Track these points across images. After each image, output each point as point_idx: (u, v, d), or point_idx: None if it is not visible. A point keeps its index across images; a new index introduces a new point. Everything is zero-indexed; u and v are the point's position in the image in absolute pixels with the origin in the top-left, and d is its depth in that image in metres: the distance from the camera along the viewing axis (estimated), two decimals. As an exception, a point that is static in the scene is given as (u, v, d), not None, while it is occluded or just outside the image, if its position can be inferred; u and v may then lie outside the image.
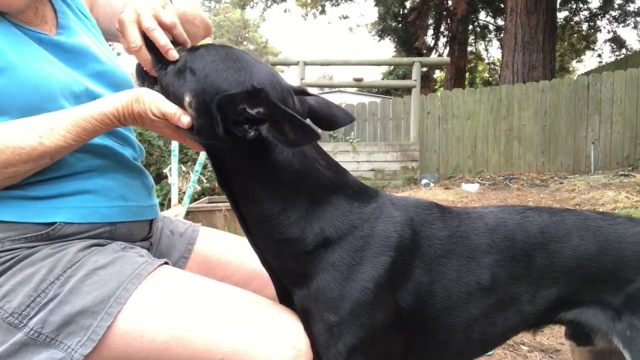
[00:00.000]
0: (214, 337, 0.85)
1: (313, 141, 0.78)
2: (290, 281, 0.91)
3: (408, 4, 16.71)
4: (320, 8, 16.42)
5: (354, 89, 15.12)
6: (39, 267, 0.88)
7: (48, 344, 0.83)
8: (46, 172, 0.92)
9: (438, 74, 20.55)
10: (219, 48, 0.89)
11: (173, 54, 0.89)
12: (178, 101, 0.85)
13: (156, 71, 0.91)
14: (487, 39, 18.75)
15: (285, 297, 0.96)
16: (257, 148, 0.84)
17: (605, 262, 0.96)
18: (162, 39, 0.89)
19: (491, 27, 17.87)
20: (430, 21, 16.94)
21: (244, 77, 0.82)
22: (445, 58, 12.38)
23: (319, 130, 0.81)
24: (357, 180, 0.97)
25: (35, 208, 0.92)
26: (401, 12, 16.76)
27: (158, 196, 5.43)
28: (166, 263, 1.01)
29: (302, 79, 8.29)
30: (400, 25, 16.79)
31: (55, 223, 0.93)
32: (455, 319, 0.93)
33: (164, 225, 1.30)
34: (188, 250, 1.26)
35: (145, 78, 0.94)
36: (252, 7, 17.07)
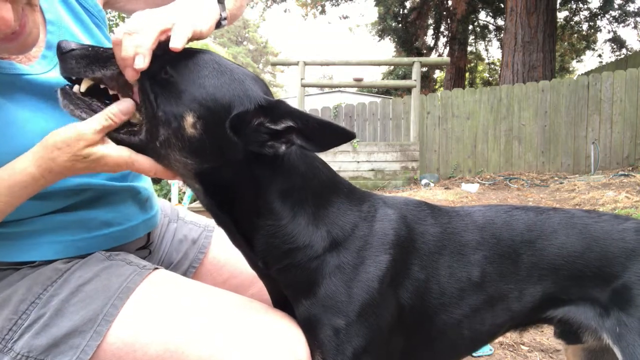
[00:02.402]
0: (208, 349, 0.82)
1: (349, 140, 0.77)
2: (295, 292, 0.88)
3: (408, 4, 16.71)
4: (320, 8, 16.41)
5: (354, 89, 15.14)
6: (15, 288, 0.85)
7: None
8: (21, 212, 0.86)
9: (438, 74, 20.54)
10: (202, 56, 0.80)
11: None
12: (169, 123, 0.76)
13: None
14: (487, 39, 18.75)
15: (281, 306, 0.94)
16: (270, 158, 0.79)
17: (591, 259, 0.98)
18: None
19: (491, 27, 17.87)
20: (430, 21, 16.93)
21: (251, 91, 0.78)
22: (445, 58, 12.38)
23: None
24: (346, 180, 0.98)
25: (11, 247, 0.88)
26: (401, 12, 16.75)
27: (158, 196, 5.40)
28: (156, 268, 0.96)
29: (302, 79, 8.29)
30: (400, 25, 16.78)
31: (33, 262, 0.89)
32: (448, 315, 0.94)
33: (177, 228, 1.26)
34: (198, 259, 1.23)
35: (79, 102, 0.78)
36: (252, 7, 17.07)
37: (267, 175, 0.82)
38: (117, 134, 0.79)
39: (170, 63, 0.78)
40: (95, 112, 0.78)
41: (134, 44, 0.74)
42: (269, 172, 0.82)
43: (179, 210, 1.33)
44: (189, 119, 0.76)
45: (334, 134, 0.76)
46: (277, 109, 0.76)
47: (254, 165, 0.80)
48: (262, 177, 0.82)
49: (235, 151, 0.77)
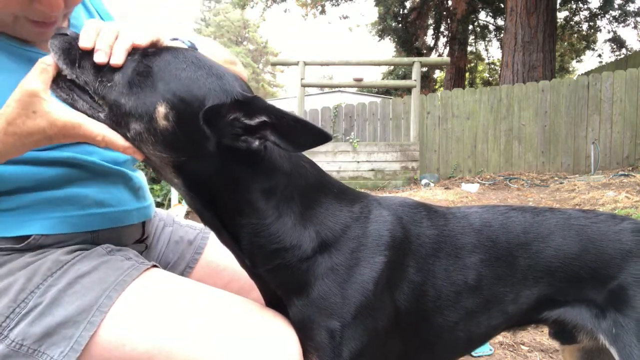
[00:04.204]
0: (198, 348, 0.81)
1: (324, 143, 0.76)
2: (287, 292, 0.87)
3: (408, 4, 16.71)
4: (320, 8, 16.40)
5: (354, 89, 15.14)
6: (17, 277, 0.86)
7: (30, 355, 0.81)
8: (11, 184, 0.89)
9: (438, 74, 20.53)
10: (183, 52, 0.81)
11: (118, 58, 0.76)
12: (141, 115, 0.76)
13: (96, 86, 0.77)
14: (487, 39, 18.73)
15: (274, 306, 0.93)
16: (249, 155, 0.79)
17: (587, 261, 0.98)
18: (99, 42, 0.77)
19: (491, 27, 17.86)
20: (430, 21, 16.92)
21: (228, 85, 0.77)
22: (445, 58, 12.37)
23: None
24: (337, 180, 0.97)
25: (5, 222, 0.89)
26: (401, 12, 16.75)
27: (158, 196, 5.40)
28: (155, 266, 0.97)
29: (302, 79, 8.29)
30: (400, 25, 16.78)
31: (29, 237, 0.90)
32: (444, 318, 0.94)
33: (173, 230, 1.27)
34: (194, 260, 1.24)
35: (71, 88, 0.78)
36: (252, 7, 17.03)
37: (247, 173, 0.81)
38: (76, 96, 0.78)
39: (149, 56, 0.78)
40: (73, 92, 0.79)
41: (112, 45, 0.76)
42: (249, 169, 0.81)
43: (174, 216, 1.35)
44: (161, 110, 0.75)
45: (308, 134, 0.75)
46: (252, 104, 0.76)
47: (231, 161, 0.79)
48: (242, 174, 0.80)
49: (208, 144, 0.77)
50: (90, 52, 0.77)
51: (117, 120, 0.77)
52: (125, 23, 0.81)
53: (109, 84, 0.77)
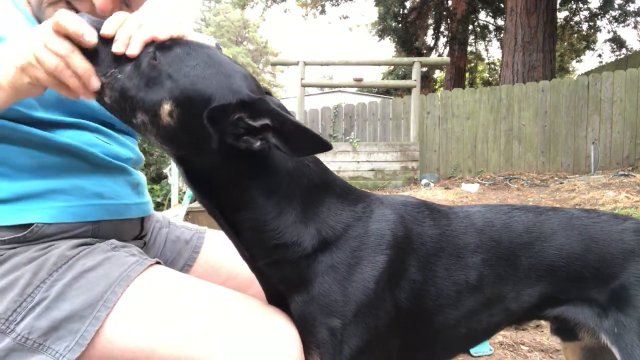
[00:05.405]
0: (200, 345, 0.82)
1: (323, 151, 0.76)
2: (288, 287, 0.88)
3: (408, 4, 16.70)
4: (320, 8, 16.39)
5: (354, 89, 15.13)
6: (23, 272, 0.87)
7: (36, 349, 0.82)
8: (10, 174, 0.91)
9: (438, 74, 20.52)
10: (197, 48, 0.81)
11: (134, 49, 0.77)
12: (147, 109, 0.77)
13: (107, 74, 0.78)
14: (487, 39, 18.73)
15: (276, 304, 0.94)
16: (251, 154, 0.79)
17: (590, 260, 0.98)
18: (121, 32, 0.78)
19: (491, 27, 17.85)
20: (430, 21, 16.91)
21: (235, 85, 0.78)
22: (445, 58, 12.37)
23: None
24: (342, 179, 0.97)
25: (6, 210, 0.90)
26: (401, 12, 16.74)
27: (158, 196, 5.41)
28: (158, 263, 0.98)
29: (302, 79, 8.30)
30: (400, 25, 16.78)
31: (31, 225, 0.91)
32: (445, 317, 0.94)
33: (169, 231, 1.29)
34: (192, 258, 1.25)
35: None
36: (252, 7, 17.02)
37: (248, 170, 0.81)
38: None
39: (160, 50, 0.79)
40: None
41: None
42: (251, 167, 0.82)
43: (169, 218, 1.37)
44: (166, 107, 0.76)
45: (309, 141, 0.75)
46: (257, 106, 0.76)
47: (233, 158, 0.80)
48: (243, 171, 0.81)
49: (210, 141, 0.78)
50: (109, 41, 0.78)
51: (125, 107, 0.79)
52: (155, 15, 0.83)
53: (119, 75, 0.77)
